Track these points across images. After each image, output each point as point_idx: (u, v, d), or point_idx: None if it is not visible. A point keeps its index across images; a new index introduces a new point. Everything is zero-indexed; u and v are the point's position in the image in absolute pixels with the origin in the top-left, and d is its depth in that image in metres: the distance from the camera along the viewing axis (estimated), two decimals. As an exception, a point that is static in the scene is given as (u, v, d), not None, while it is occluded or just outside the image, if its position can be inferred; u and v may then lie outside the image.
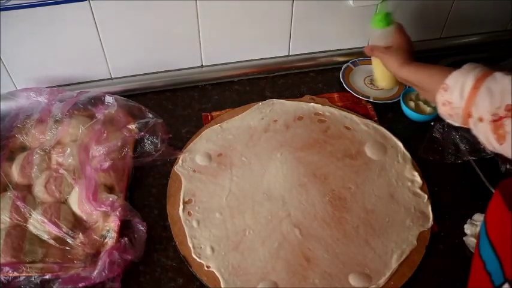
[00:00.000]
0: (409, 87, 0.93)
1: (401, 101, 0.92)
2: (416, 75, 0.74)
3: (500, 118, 0.56)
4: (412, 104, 0.93)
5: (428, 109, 0.91)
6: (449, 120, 0.67)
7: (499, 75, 0.59)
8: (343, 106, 0.95)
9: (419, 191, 0.79)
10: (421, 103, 0.93)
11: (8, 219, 0.70)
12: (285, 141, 0.87)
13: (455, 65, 1.04)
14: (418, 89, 0.75)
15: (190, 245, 0.72)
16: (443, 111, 0.66)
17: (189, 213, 0.76)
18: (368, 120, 0.91)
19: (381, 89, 0.99)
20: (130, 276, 0.69)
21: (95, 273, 0.65)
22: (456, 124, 0.66)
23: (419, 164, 0.84)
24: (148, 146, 0.83)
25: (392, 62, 0.79)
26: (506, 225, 0.53)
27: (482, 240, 0.57)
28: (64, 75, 0.93)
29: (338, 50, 1.06)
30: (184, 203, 0.77)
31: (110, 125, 0.82)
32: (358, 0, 0.95)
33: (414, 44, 1.08)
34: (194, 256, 0.70)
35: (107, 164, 0.76)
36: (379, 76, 0.93)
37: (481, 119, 0.59)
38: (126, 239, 0.69)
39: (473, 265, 0.61)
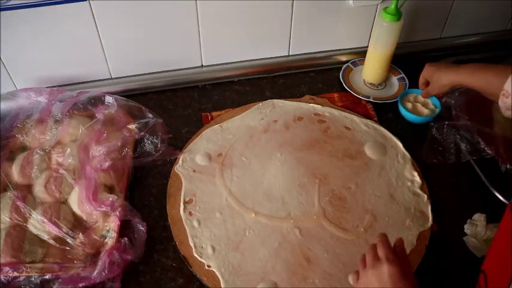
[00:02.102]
0: (408, 88, 0.97)
1: (399, 103, 0.92)
2: (472, 80, 0.76)
3: None
4: (409, 105, 0.93)
5: (425, 111, 0.92)
6: None
7: None
8: (343, 106, 0.95)
9: (419, 191, 0.79)
10: (419, 105, 0.93)
11: (8, 219, 0.70)
12: (285, 142, 0.87)
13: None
14: (479, 91, 0.76)
15: (192, 245, 0.72)
16: (508, 114, 0.69)
17: (190, 213, 0.76)
18: (368, 120, 0.91)
19: (381, 89, 0.99)
20: (131, 276, 0.69)
21: (95, 273, 0.65)
22: None
23: (419, 164, 0.84)
24: (148, 146, 0.83)
25: (445, 75, 0.81)
26: None
27: None
28: (64, 75, 0.93)
29: (338, 50, 1.06)
30: (185, 203, 0.77)
31: (110, 125, 0.82)
32: (358, 0, 0.95)
33: (414, 44, 1.09)
34: (196, 255, 0.70)
35: (107, 164, 0.76)
36: (368, 71, 0.99)
37: None
38: (126, 239, 0.69)
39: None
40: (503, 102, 0.67)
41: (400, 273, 0.55)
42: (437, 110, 0.91)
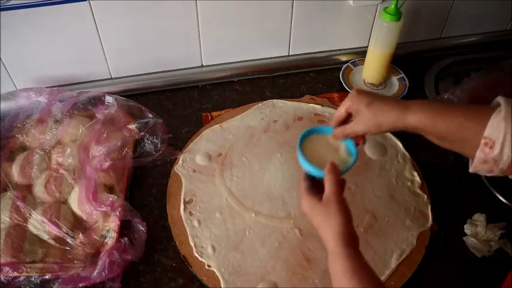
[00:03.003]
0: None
1: (299, 146, 0.63)
2: (433, 122, 0.56)
3: None
4: (311, 149, 0.65)
5: (335, 159, 0.64)
6: (481, 173, 0.55)
7: None
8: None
9: (419, 191, 0.79)
10: (326, 150, 0.66)
11: (8, 219, 0.70)
12: (285, 142, 0.87)
13: (455, 65, 1.06)
14: (434, 138, 0.58)
15: (192, 244, 0.72)
16: (480, 168, 0.53)
17: (190, 213, 0.76)
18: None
19: (381, 89, 0.99)
20: (131, 276, 0.69)
21: (95, 273, 0.65)
22: (489, 175, 0.54)
23: (419, 164, 0.84)
24: (148, 146, 0.83)
25: (388, 112, 0.59)
26: None
27: None
28: (64, 75, 0.93)
29: (338, 50, 1.06)
30: (185, 203, 0.77)
31: (110, 125, 0.82)
32: (358, 0, 0.95)
33: (414, 44, 1.09)
34: (196, 255, 0.71)
35: (107, 164, 0.76)
36: (368, 71, 0.98)
37: None
38: (126, 239, 0.69)
39: None
40: (484, 154, 0.51)
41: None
42: (352, 160, 0.63)
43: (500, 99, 0.52)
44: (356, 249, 0.56)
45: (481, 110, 0.53)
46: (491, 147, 0.50)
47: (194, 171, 0.82)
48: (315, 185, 0.61)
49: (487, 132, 0.51)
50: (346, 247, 0.55)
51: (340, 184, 0.59)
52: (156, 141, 0.83)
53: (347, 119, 0.64)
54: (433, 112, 0.56)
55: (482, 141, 0.51)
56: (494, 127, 0.50)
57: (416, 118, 0.57)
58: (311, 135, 0.65)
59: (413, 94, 0.97)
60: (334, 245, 0.55)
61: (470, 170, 0.55)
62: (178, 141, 0.87)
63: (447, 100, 0.89)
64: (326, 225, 0.57)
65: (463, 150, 0.55)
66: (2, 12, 0.79)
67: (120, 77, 0.97)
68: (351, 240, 0.56)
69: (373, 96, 0.61)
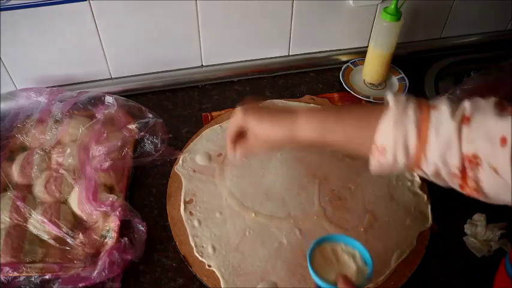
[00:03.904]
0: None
1: (309, 258, 0.59)
2: (322, 134, 0.54)
3: (465, 170, 0.46)
4: (322, 259, 0.60)
5: (349, 271, 0.59)
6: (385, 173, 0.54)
7: (442, 113, 0.47)
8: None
9: (419, 191, 0.79)
10: (338, 259, 0.60)
11: (8, 219, 0.70)
12: (285, 141, 0.87)
13: (455, 65, 1.06)
14: (330, 148, 0.58)
15: (193, 244, 0.72)
16: (381, 171, 0.52)
17: (191, 213, 0.76)
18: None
19: (381, 89, 0.99)
20: (131, 276, 0.69)
21: (95, 273, 0.65)
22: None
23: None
24: (148, 146, 0.83)
25: (276, 128, 0.57)
26: None
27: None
28: (64, 75, 0.94)
29: (338, 50, 1.06)
30: (185, 202, 0.77)
31: (110, 125, 0.82)
32: (358, 0, 0.95)
33: (414, 44, 1.09)
34: (196, 254, 0.70)
35: (107, 164, 0.76)
36: (368, 71, 0.98)
37: (438, 174, 0.49)
38: (126, 239, 0.69)
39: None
40: (376, 159, 0.50)
41: None
42: (369, 272, 0.57)
43: (389, 98, 0.51)
44: None
45: (371, 115, 0.50)
46: (383, 155, 0.49)
47: (194, 171, 0.82)
48: None
49: (378, 140, 0.49)
50: None
51: None
52: (156, 141, 0.83)
53: (241, 134, 0.62)
54: (321, 123, 0.54)
55: (373, 147, 0.50)
56: (384, 134, 0.49)
57: (305, 133, 0.55)
58: (321, 244, 0.60)
59: (413, 94, 0.96)
60: None
61: (371, 170, 0.53)
62: (178, 141, 0.87)
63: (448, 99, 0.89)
64: None
65: (360, 155, 0.53)
66: (2, 12, 0.79)
67: (120, 77, 0.97)
68: None
69: (260, 115, 0.58)
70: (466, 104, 0.47)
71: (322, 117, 0.55)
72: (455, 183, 0.49)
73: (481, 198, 0.49)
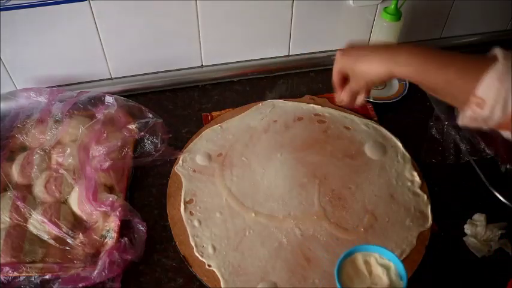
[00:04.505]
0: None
1: (337, 272, 0.57)
2: (423, 76, 0.53)
3: None
4: (353, 270, 0.59)
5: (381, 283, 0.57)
6: (470, 126, 0.53)
7: None
8: (343, 106, 0.95)
9: (419, 191, 0.79)
10: (369, 272, 0.59)
11: (8, 219, 0.70)
12: (285, 142, 0.87)
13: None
14: (424, 88, 0.56)
15: (193, 244, 0.72)
16: (469, 124, 0.52)
17: (191, 213, 0.76)
18: (368, 120, 0.91)
19: (381, 89, 0.99)
20: (131, 276, 0.69)
21: (95, 273, 0.65)
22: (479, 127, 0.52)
23: (419, 164, 0.84)
24: (148, 146, 0.83)
25: (377, 63, 0.57)
26: None
27: None
28: (64, 75, 0.94)
29: (338, 50, 1.05)
30: (186, 202, 0.77)
31: (110, 125, 0.82)
32: (358, 0, 0.95)
33: (414, 44, 1.09)
34: (197, 254, 0.71)
35: (107, 164, 0.76)
36: None
37: None
38: (126, 239, 0.69)
39: None
40: (473, 112, 0.49)
41: None
42: (403, 285, 0.55)
43: (498, 51, 0.49)
44: None
45: (476, 65, 0.49)
46: (481, 108, 0.48)
47: (194, 171, 0.82)
48: None
49: (479, 91, 0.48)
50: None
51: None
52: (156, 141, 0.83)
53: (345, 79, 0.64)
54: (422, 66, 0.53)
55: (473, 99, 0.48)
56: (487, 87, 0.47)
57: (404, 72, 0.54)
58: (353, 254, 0.57)
59: (413, 94, 0.97)
60: None
61: (459, 123, 0.53)
62: (178, 141, 0.87)
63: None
64: None
65: (453, 103, 0.54)
66: (2, 12, 0.79)
67: (120, 77, 0.97)
68: None
69: (357, 53, 0.60)
70: None
71: (424, 60, 0.53)
72: None
73: None
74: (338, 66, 0.63)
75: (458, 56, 0.52)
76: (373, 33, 0.94)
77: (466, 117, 0.51)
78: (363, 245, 0.58)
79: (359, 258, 0.58)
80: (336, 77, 0.64)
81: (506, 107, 0.47)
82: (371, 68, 0.57)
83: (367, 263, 0.57)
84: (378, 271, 0.56)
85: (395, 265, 0.56)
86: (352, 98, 0.64)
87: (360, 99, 0.66)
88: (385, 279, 0.55)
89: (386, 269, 0.56)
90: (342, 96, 0.65)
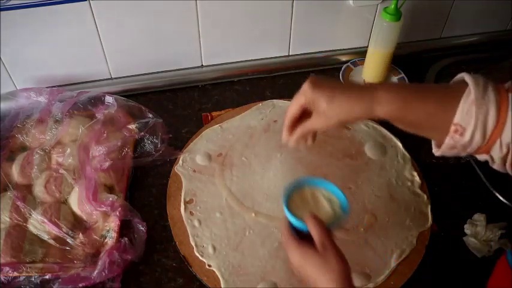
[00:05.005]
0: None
1: (285, 202, 0.60)
2: (402, 112, 0.52)
3: None
4: (298, 202, 0.61)
5: (324, 213, 0.60)
6: (446, 155, 0.53)
7: None
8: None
9: (419, 191, 0.79)
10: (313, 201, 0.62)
11: (8, 219, 0.70)
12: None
13: (455, 65, 1.06)
14: (401, 126, 0.55)
15: (193, 244, 0.72)
16: (447, 153, 0.52)
17: (191, 213, 0.76)
18: (368, 120, 0.91)
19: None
20: (131, 276, 0.69)
21: (95, 273, 0.65)
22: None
23: (419, 164, 0.84)
24: (148, 146, 0.83)
25: (353, 103, 0.53)
26: None
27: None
28: (64, 75, 0.93)
29: (338, 50, 1.06)
30: (186, 202, 0.77)
31: (110, 125, 0.82)
32: (358, 0, 0.95)
33: (414, 44, 1.09)
34: (197, 254, 0.71)
35: (107, 164, 0.76)
36: (368, 71, 0.98)
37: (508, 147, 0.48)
38: (126, 239, 0.69)
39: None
40: (453, 140, 0.49)
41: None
42: (344, 218, 0.59)
43: (466, 77, 0.50)
44: None
45: (451, 94, 0.50)
46: (461, 134, 0.49)
47: (194, 171, 0.82)
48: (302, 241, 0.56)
49: (457, 119, 0.48)
50: None
51: (329, 233, 0.55)
52: (156, 141, 0.83)
53: (302, 115, 0.57)
54: (402, 103, 0.52)
55: (452, 128, 0.49)
56: (465, 113, 0.48)
57: (384, 110, 0.52)
58: (302, 187, 0.61)
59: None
60: None
61: (437, 154, 0.53)
62: (178, 141, 0.87)
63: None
64: (325, 278, 0.52)
65: (431, 136, 0.54)
66: (2, 12, 0.79)
67: (120, 77, 0.97)
68: None
69: (331, 88, 0.53)
70: None
71: (403, 94, 0.52)
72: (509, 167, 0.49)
73: None
74: (305, 100, 0.55)
75: (434, 87, 0.53)
76: (373, 33, 0.94)
77: (446, 146, 0.51)
78: (311, 178, 0.61)
79: (307, 191, 0.61)
80: (295, 111, 0.56)
81: (486, 130, 0.48)
82: (350, 106, 0.53)
83: (313, 195, 0.60)
84: (324, 203, 0.59)
85: (340, 200, 0.60)
86: (304, 138, 0.58)
87: (311, 140, 0.61)
88: (328, 210, 0.59)
89: (331, 202, 0.60)
90: (296, 133, 0.58)
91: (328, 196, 0.60)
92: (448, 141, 0.50)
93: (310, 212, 0.56)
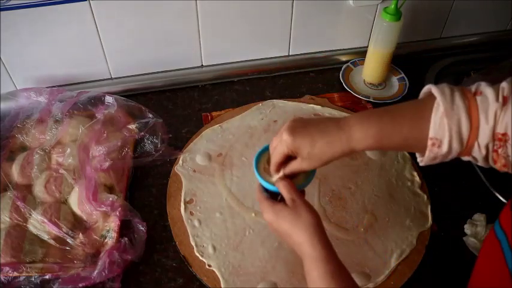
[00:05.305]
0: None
1: (255, 167, 0.63)
2: (382, 143, 0.54)
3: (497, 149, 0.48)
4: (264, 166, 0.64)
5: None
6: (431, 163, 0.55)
7: (488, 97, 0.49)
8: (343, 106, 0.95)
9: (419, 190, 0.79)
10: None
11: (8, 219, 0.70)
12: (285, 141, 0.87)
13: (455, 65, 1.06)
14: (383, 150, 0.58)
15: (193, 244, 0.72)
16: (430, 162, 0.54)
17: (191, 213, 0.76)
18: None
19: (381, 89, 0.99)
20: (131, 276, 0.69)
21: (95, 273, 0.65)
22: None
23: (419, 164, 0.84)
24: (148, 146, 0.83)
25: (333, 144, 0.56)
26: None
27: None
28: (64, 75, 0.94)
29: (338, 50, 1.06)
30: (186, 202, 0.77)
31: (110, 125, 0.82)
32: (358, 0, 0.95)
33: (414, 44, 1.09)
34: (197, 254, 0.71)
35: (107, 164, 0.76)
36: (368, 71, 0.98)
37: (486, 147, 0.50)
38: (126, 239, 0.69)
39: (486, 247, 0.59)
40: (433, 153, 0.51)
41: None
42: (311, 175, 0.62)
43: (432, 89, 0.52)
44: (332, 249, 0.55)
45: (421, 111, 0.52)
46: (439, 147, 0.51)
47: (194, 171, 0.82)
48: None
49: (432, 133, 0.50)
50: (324, 248, 0.54)
51: (298, 191, 0.59)
52: (156, 141, 0.83)
53: (288, 157, 0.59)
54: (377, 136, 0.54)
55: (429, 142, 0.51)
56: (438, 127, 0.50)
57: (362, 146, 0.55)
58: (268, 152, 0.62)
59: (413, 94, 0.96)
60: (312, 248, 0.54)
61: (421, 164, 0.55)
62: (178, 141, 0.87)
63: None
64: (298, 229, 0.56)
65: (413, 152, 0.57)
66: (2, 12, 0.79)
67: (120, 77, 0.97)
68: (326, 240, 0.55)
69: (310, 134, 0.56)
70: (504, 84, 0.49)
71: (376, 124, 0.54)
72: (490, 160, 0.51)
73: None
74: (287, 149, 0.57)
75: (405, 108, 0.55)
76: (373, 33, 0.94)
77: (427, 158, 0.53)
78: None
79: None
80: (279, 160, 0.59)
81: (462, 138, 0.49)
82: (330, 149, 0.56)
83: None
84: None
85: None
86: (292, 174, 0.60)
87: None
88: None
89: None
90: (285, 172, 0.60)
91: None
92: (428, 154, 0.52)
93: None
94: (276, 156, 0.59)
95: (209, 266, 0.69)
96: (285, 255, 0.71)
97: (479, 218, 0.75)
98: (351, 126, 0.55)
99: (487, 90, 0.49)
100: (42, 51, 0.88)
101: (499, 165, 0.50)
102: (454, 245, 0.74)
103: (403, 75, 1.01)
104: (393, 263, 0.70)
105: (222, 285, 0.67)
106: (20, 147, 0.82)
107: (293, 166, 0.59)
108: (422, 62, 1.06)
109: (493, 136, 0.48)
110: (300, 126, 0.57)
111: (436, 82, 1.01)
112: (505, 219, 0.52)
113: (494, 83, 0.51)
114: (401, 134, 0.53)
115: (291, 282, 0.68)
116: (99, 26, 0.87)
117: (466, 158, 0.53)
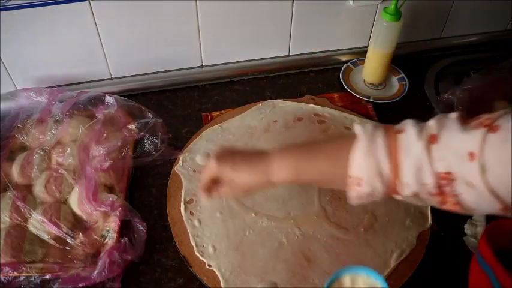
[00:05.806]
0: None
1: None
2: (296, 177, 0.56)
3: (441, 187, 0.47)
4: None
5: None
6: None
7: (409, 135, 0.48)
8: (343, 106, 0.95)
9: (419, 191, 0.79)
10: None
11: (8, 219, 0.70)
12: (285, 142, 0.86)
13: (455, 65, 1.06)
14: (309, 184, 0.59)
15: (193, 244, 0.72)
16: (359, 201, 0.54)
17: (191, 213, 0.76)
18: (368, 120, 0.91)
19: (381, 89, 0.99)
20: (131, 276, 0.69)
21: (95, 273, 0.65)
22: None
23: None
24: (148, 146, 0.83)
25: (251, 174, 0.58)
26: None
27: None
28: (64, 75, 0.94)
29: (338, 50, 1.06)
30: (186, 202, 0.77)
31: (110, 125, 0.82)
32: (358, 0, 0.95)
33: (414, 44, 1.09)
34: (197, 254, 0.71)
35: (107, 164, 0.76)
36: (368, 71, 0.98)
37: (416, 195, 0.49)
38: (126, 239, 0.69)
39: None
40: (355, 192, 0.51)
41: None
42: None
43: (356, 128, 0.52)
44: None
45: (341, 148, 0.51)
46: (359, 185, 0.50)
47: (194, 171, 0.82)
48: None
49: (351, 171, 0.50)
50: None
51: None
52: (156, 141, 0.83)
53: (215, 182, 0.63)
54: (294, 169, 0.55)
55: (349, 180, 0.50)
56: (358, 166, 0.49)
57: (279, 178, 0.57)
58: (341, 277, 0.57)
59: (413, 94, 0.97)
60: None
61: (351, 203, 0.54)
62: (178, 141, 0.88)
63: (446, 100, 0.89)
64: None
65: (336, 188, 0.57)
66: (2, 12, 0.79)
67: (120, 77, 0.97)
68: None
69: (233, 158, 0.59)
70: (431, 123, 0.48)
71: (294, 158, 0.56)
72: (434, 202, 0.49)
73: (463, 211, 0.48)
74: (213, 173, 0.61)
75: (326, 145, 0.56)
76: (373, 33, 0.94)
77: (353, 197, 0.52)
78: (350, 267, 0.58)
79: (346, 278, 0.58)
80: (207, 183, 0.63)
81: (383, 177, 0.48)
82: (249, 178, 0.58)
83: (353, 281, 0.58)
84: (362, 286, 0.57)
85: (381, 283, 0.56)
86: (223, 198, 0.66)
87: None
88: None
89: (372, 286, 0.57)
90: (214, 197, 0.65)
91: (370, 282, 0.57)
92: (350, 193, 0.52)
93: None
94: (203, 180, 0.63)
95: (209, 266, 0.69)
96: (285, 255, 0.71)
97: (479, 218, 0.75)
98: (270, 158, 0.57)
99: (409, 128, 0.48)
100: (42, 51, 0.88)
101: (448, 205, 0.48)
102: (454, 245, 0.74)
103: (403, 75, 1.01)
104: (393, 263, 0.70)
105: (222, 285, 0.67)
106: (20, 147, 0.82)
107: (220, 192, 0.63)
108: (422, 62, 1.06)
109: (435, 175, 0.46)
110: (227, 154, 0.61)
111: (436, 82, 1.01)
112: (486, 252, 0.52)
113: (494, 83, 0.50)
114: (318, 169, 0.54)
115: (291, 282, 0.68)
116: (99, 26, 0.87)
117: (399, 197, 0.51)
